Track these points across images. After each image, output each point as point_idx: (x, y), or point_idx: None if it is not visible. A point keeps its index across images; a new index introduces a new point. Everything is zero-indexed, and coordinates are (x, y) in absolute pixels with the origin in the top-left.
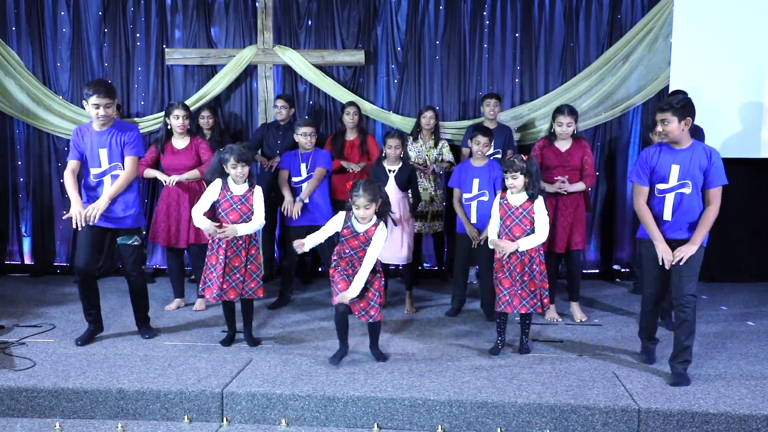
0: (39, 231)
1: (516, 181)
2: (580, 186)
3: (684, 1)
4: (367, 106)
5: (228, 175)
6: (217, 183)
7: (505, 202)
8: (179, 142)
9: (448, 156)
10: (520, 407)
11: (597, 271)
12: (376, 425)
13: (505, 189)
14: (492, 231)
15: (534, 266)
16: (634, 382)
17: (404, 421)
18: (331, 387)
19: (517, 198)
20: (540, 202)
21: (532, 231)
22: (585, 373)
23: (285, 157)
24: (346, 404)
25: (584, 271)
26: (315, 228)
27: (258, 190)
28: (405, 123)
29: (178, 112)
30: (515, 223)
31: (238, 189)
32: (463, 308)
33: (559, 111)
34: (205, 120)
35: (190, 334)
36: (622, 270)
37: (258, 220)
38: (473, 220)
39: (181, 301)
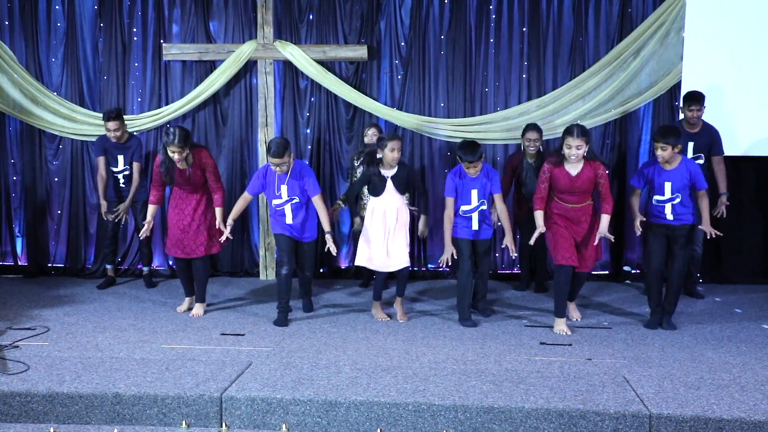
0: (32, 231)
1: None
2: (606, 221)
3: None
4: (369, 104)
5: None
6: None
7: None
8: (183, 163)
9: None
10: (528, 412)
11: (606, 272)
12: (379, 431)
13: None
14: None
15: None
16: (645, 386)
17: (408, 426)
18: (333, 391)
19: None
20: None
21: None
22: (594, 377)
23: (262, 177)
24: (348, 409)
25: (594, 272)
26: (297, 241)
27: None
28: (409, 120)
29: (174, 148)
30: None
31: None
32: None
33: (568, 132)
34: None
35: (188, 337)
36: (633, 271)
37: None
38: (474, 227)
39: (191, 300)
